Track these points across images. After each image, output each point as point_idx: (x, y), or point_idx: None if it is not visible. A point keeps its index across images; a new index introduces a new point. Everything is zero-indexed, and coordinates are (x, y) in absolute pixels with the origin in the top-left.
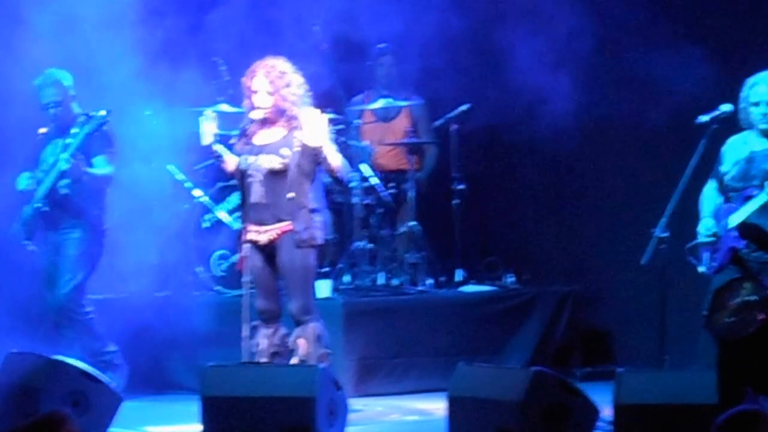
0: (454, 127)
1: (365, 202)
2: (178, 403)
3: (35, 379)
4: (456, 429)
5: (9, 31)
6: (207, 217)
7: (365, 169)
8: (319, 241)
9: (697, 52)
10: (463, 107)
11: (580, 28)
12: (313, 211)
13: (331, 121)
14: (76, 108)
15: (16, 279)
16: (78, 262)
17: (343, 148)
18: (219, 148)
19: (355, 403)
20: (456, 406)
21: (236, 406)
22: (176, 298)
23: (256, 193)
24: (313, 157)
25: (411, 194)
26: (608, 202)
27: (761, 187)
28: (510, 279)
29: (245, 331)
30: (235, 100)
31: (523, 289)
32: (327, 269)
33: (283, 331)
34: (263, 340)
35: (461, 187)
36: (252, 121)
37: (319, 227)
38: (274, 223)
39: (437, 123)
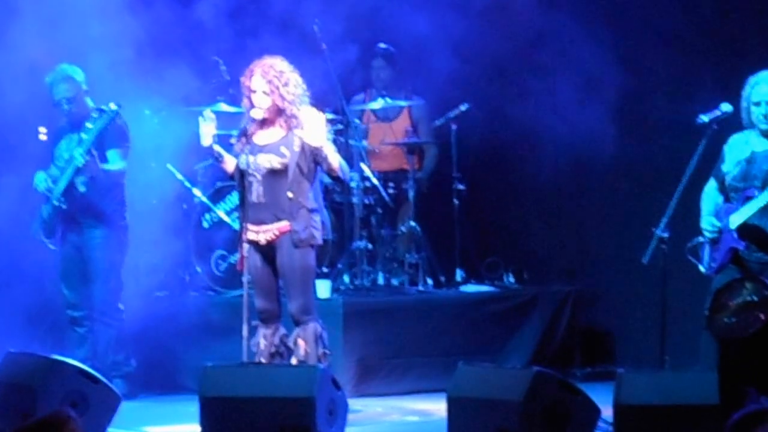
0: (454, 127)
1: (365, 202)
2: (177, 403)
3: (33, 379)
4: (456, 429)
5: (5, 28)
6: (206, 216)
7: (365, 169)
8: (318, 241)
9: (698, 51)
10: (463, 107)
11: (584, 28)
12: (312, 211)
13: (330, 121)
14: (89, 103)
15: (16, 279)
16: (107, 265)
17: (343, 148)
18: (218, 148)
19: (355, 404)
20: (456, 407)
21: (235, 407)
22: (175, 298)
23: (256, 193)
24: (313, 157)
25: (411, 194)
26: (609, 202)
27: (762, 188)
28: (510, 279)
29: (245, 331)
30: (235, 100)
31: (523, 289)
32: (326, 269)
33: (282, 331)
34: (263, 340)
35: (461, 187)
36: (251, 120)
37: (318, 227)
38: (273, 222)
39: (437, 123)
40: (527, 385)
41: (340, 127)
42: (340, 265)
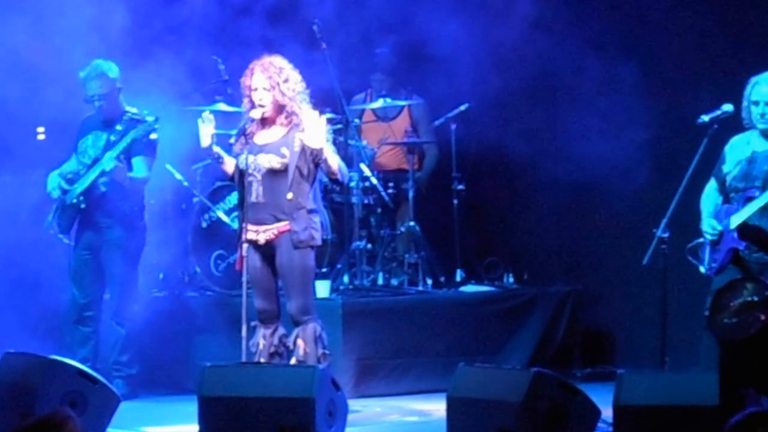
0: (453, 126)
1: (365, 202)
2: (176, 403)
3: (32, 379)
4: (456, 430)
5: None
6: (205, 216)
7: (365, 168)
8: (318, 242)
9: (699, 51)
10: (463, 107)
11: (582, 28)
12: (311, 211)
13: (329, 120)
14: (123, 102)
15: (16, 279)
16: (125, 266)
17: (343, 148)
18: (218, 149)
19: (354, 404)
20: (456, 407)
21: (234, 407)
22: (174, 298)
23: (255, 193)
24: (313, 159)
25: (410, 194)
26: (609, 202)
27: (762, 189)
28: (510, 279)
29: (244, 332)
30: (234, 100)
31: (523, 289)
32: (326, 269)
33: (281, 331)
34: (262, 341)
35: (461, 187)
36: (251, 120)
37: (317, 228)
38: (272, 223)
39: (437, 123)
40: (527, 385)
41: (339, 126)
42: (339, 265)
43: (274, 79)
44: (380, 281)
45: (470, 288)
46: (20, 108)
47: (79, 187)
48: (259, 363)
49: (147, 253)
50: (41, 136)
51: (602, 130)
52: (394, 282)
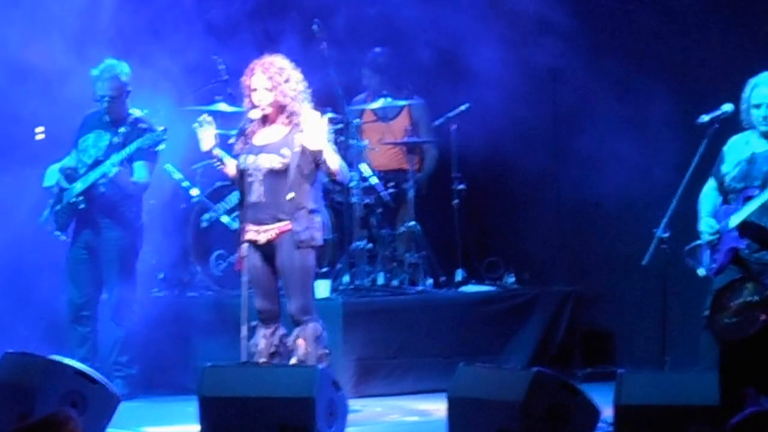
0: (453, 126)
1: (365, 201)
2: (176, 403)
3: (32, 380)
4: (456, 430)
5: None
6: (205, 216)
7: (365, 168)
8: (319, 242)
9: (699, 51)
10: (463, 107)
11: (583, 29)
12: (312, 211)
13: (330, 120)
14: (128, 104)
15: (16, 278)
16: (124, 266)
17: (343, 148)
18: (219, 152)
19: (355, 404)
20: (456, 407)
21: (234, 407)
22: (174, 298)
23: (256, 193)
24: (313, 159)
25: (411, 194)
26: (609, 202)
27: (762, 188)
28: (510, 279)
29: (244, 332)
30: (234, 100)
31: (523, 289)
32: (326, 269)
33: (282, 331)
34: (262, 341)
35: (461, 186)
36: (251, 120)
37: (318, 228)
38: (273, 223)
39: (437, 123)
40: (527, 385)
41: (340, 126)
42: (339, 265)
43: (275, 79)
44: (381, 281)
45: (471, 288)
46: (21, 107)
47: (79, 186)
48: (259, 363)
49: (147, 253)
50: (40, 136)
51: (603, 130)
52: (395, 282)
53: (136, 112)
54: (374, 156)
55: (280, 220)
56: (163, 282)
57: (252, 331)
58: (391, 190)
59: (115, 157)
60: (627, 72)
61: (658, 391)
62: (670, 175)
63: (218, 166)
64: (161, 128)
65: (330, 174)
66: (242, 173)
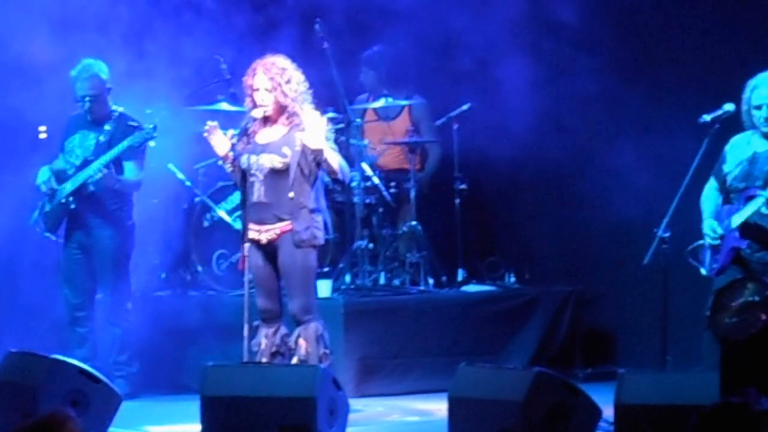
0: (455, 126)
1: (366, 201)
2: (178, 402)
3: (34, 379)
4: (457, 429)
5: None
6: (207, 216)
7: (366, 168)
8: (320, 241)
9: (700, 51)
10: (465, 107)
11: (583, 28)
12: (313, 211)
13: (331, 119)
14: (110, 102)
15: (16, 277)
16: (116, 265)
17: (344, 147)
18: (232, 156)
19: (356, 404)
20: (457, 407)
21: (236, 406)
22: (176, 298)
23: (257, 193)
24: (314, 158)
25: (412, 194)
26: (610, 202)
27: (763, 188)
28: (511, 279)
29: (246, 331)
30: (236, 99)
31: (524, 289)
32: (328, 269)
33: (283, 330)
34: (264, 340)
35: (462, 186)
36: (253, 120)
37: (319, 227)
38: (274, 222)
39: (439, 122)
40: (528, 385)
41: (341, 126)
42: (341, 265)
43: (276, 80)
44: (382, 281)
45: (472, 288)
46: (21, 106)
47: (69, 186)
48: (260, 363)
49: (149, 253)
50: (43, 135)
51: (604, 130)
52: (396, 282)
53: (119, 109)
54: (376, 156)
55: (281, 220)
56: (165, 281)
57: (254, 331)
58: (392, 190)
59: (103, 159)
60: (628, 72)
61: (659, 391)
62: (671, 174)
63: (231, 169)
64: (150, 126)
65: (330, 173)
66: (244, 173)
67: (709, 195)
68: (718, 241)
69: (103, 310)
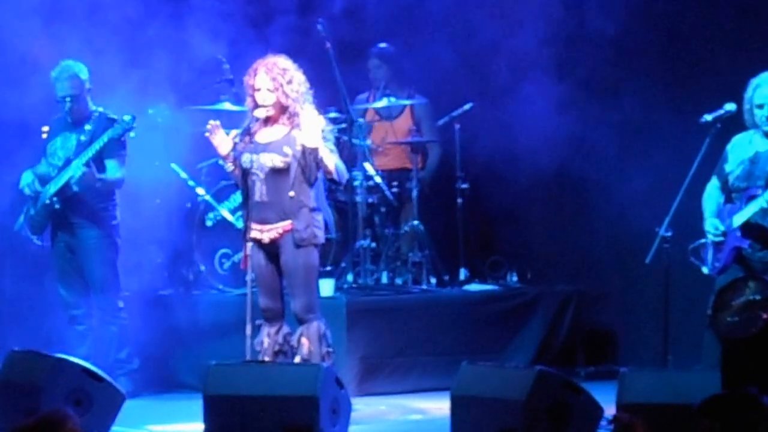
0: (457, 126)
1: (368, 200)
2: (180, 401)
3: (37, 378)
4: (459, 428)
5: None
6: (210, 215)
7: (369, 168)
8: (321, 240)
9: (702, 50)
10: (467, 106)
11: (584, 28)
12: (313, 210)
13: (333, 119)
14: (90, 103)
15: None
16: (103, 264)
17: (347, 147)
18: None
19: (358, 402)
20: (459, 406)
21: (239, 405)
22: (179, 297)
23: (259, 192)
24: (313, 157)
25: (414, 193)
26: (612, 201)
27: (765, 188)
28: (513, 278)
29: (248, 330)
30: (238, 99)
31: (526, 288)
32: (330, 268)
33: (286, 329)
34: (266, 339)
35: (464, 186)
36: (256, 119)
37: (320, 226)
38: (276, 221)
39: (440, 122)
40: (530, 384)
41: (343, 125)
42: (343, 264)
43: (278, 80)
44: (384, 280)
45: (474, 287)
46: (20, 106)
47: (52, 187)
48: (263, 361)
49: (152, 252)
50: (45, 135)
51: (605, 129)
52: (398, 281)
53: (99, 109)
54: (377, 155)
55: (283, 219)
56: (168, 280)
57: (256, 330)
58: (394, 190)
59: (83, 156)
60: (629, 71)
61: (660, 389)
62: (673, 173)
63: (232, 169)
64: (128, 117)
65: (326, 173)
66: (245, 172)
67: (711, 194)
68: (721, 237)
69: (97, 309)
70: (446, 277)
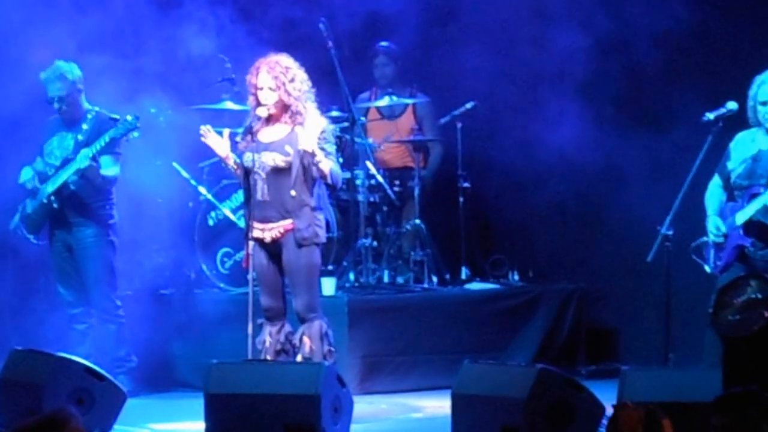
0: (459, 125)
1: (370, 199)
2: (182, 400)
3: (39, 377)
4: (460, 427)
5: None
6: (212, 214)
7: (370, 166)
8: (322, 239)
9: (703, 48)
10: (469, 105)
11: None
12: (315, 209)
13: (335, 119)
14: (84, 102)
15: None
16: (100, 263)
17: (349, 146)
18: (234, 157)
19: (360, 401)
20: (460, 404)
21: (240, 404)
22: (181, 296)
23: (260, 191)
24: (309, 160)
25: (416, 192)
26: (613, 200)
27: (767, 186)
28: (515, 277)
29: (250, 329)
30: (240, 98)
31: (528, 286)
32: (332, 267)
33: (287, 328)
34: (268, 338)
35: (466, 185)
36: (258, 118)
37: (321, 225)
38: (278, 221)
39: (442, 120)
40: (532, 382)
41: (345, 124)
42: (345, 263)
43: (280, 79)
44: (386, 279)
45: (475, 285)
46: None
47: (50, 186)
48: (265, 360)
49: (154, 251)
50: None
51: (607, 128)
52: (400, 279)
53: (95, 108)
54: (379, 154)
55: (284, 218)
56: (170, 280)
57: (258, 329)
58: (396, 188)
59: (86, 151)
60: (630, 71)
61: (661, 388)
62: (674, 172)
63: (235, 169)
64: (131, 117)
65: (321, 177)
66: (247, 171)
67: (714, 192)
68: (721, 239)
69: (95, 308)
70: (448, 276)
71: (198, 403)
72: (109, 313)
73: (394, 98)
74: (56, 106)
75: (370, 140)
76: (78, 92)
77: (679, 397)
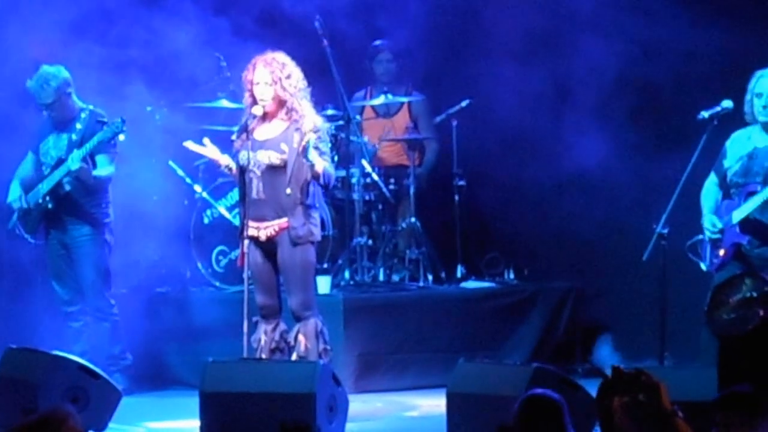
0: (454, 123)
1: (366, 198)
2: (177, 398)
3: (34, 375)
4: (456, 425)
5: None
6: (207, 212)
7: (366, 165)
8: (317, 237)
9: (700, 47)
10: (464, 103)
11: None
12: (310, 207)
13: (331, 117)
14: (76, 102)
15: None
16: (94, 262)
17: (344, 144)
18: (229, 161)
19: (355, 399)
20: (456, 403)
21: (236, 402)
22: (176, 294)
23: (255, 189)
24: (306, 157)
25: (411, 190)
26: (609, 198)
27: (763, 184)
28: (510, 275)
29: (245, 327)
30: (236, 96)
31: (523, 285)
32: (327, 265)
33: (283, 327)
34: (263, 336)
35: (462, 183)
36: (253, 116)
37: (316, 224)
38: (273, 219)
39: (438, 119)
40: (527, 381)
41: (341, 123)
42: (340, 261)
43: (276, 74)
44: (381, 277)
45: (471, 284)
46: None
47: (45, 186)
48: (260, 359)
49: (149, 249)
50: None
51: (603, 126)
52: (395, 278)
53: (89, 107)
54: (375, 152)
55: (279, 217)
56: (165, 278)
57: (253, 327)
58: (391, 187)
59: (77, 153)
60: (629, 70)
61: None
62: (670, 171)
63: (232, 172)
64: (118, 120)
65: (315, 177)
66: (242, 169)
67: (710, 190)
68: (718, 235)
69: (89, 306)
70: (443, 274)
71: (193, 402)
72: (103, 312)
73: (390, 96)
74: (45, 113)
75: (366, 139)
76: (66, 95)
77: (674, 396)
